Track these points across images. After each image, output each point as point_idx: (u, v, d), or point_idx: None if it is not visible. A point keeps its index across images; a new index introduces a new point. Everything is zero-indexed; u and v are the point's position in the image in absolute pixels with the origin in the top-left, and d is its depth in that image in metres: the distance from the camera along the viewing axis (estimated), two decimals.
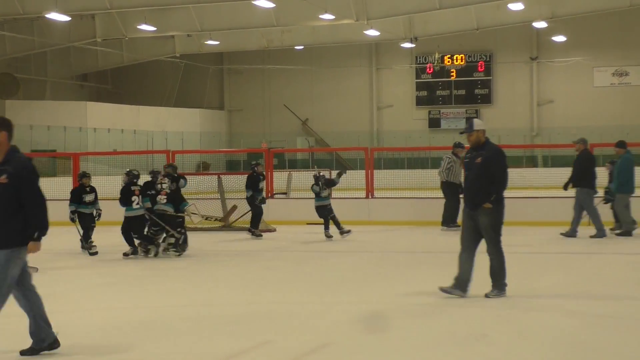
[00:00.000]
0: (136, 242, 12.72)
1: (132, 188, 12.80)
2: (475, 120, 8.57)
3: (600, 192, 14.90)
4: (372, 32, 32.18)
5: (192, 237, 15.75)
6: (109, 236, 14.17)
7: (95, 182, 13.98)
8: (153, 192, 12.94)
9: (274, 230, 16.43)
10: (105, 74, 40.30)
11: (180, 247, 12.76)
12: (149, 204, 12.84)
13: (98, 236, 13.61)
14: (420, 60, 38.86)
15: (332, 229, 14.93)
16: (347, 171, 16.52)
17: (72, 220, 13.25)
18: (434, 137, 36.76)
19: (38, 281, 10.48)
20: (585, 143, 14.60)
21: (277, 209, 17.48)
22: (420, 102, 39.38)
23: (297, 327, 7.30)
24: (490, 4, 30.10)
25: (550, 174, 15.59)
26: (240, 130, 41.44)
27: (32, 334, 6.46)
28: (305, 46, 37.00)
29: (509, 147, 32.85)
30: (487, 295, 8.35)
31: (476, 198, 8.34)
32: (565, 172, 15.52)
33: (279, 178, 20.32)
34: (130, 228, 12.66)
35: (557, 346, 6.49)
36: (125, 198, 12.70)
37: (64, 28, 31.98)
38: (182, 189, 13.55)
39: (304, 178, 16.59)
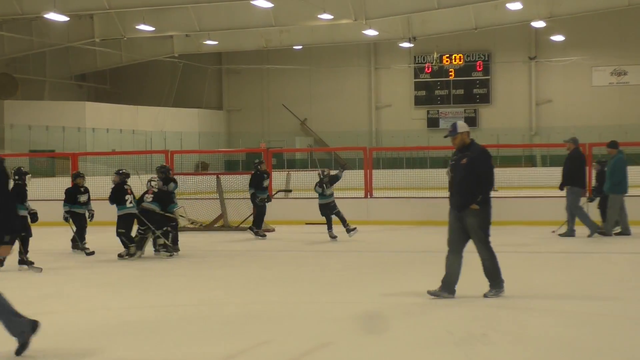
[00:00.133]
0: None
1: (125, 187, 12.80)
2: (459, 123, 8.54)
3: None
4: (371, 32, 32.19)
5: (192, 237, 15.78)
6: (106, 236, 14.17)
7: (93, 182, 14.01)
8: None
9: (273, 230, 16.43)
10: (104, 74, 40.28)
11: (170, 247, 12.69)
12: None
13: (96, 236, 13.62)
14: (418, 60, 38.87)
15: (336, 228, 14.84)
16: (346, 171, 16.47)
17: (66, 220, 13.25)
18: (432, 137, 36.77)
19: (37, 281, 10.50)
20: (576, 142, 14.63)
21: (276, 208, 17.46)
22: (418, 101, 39.38)
23: (296, 327, 7.30)
24: (488, 4, 30.11)
25: (549, 174, 15.61)
26: (239, 130, 41.44)
27: (11, 332, 6.39)
28: (304, 46, 37.00)
29: (508, 147, 32.97)
30: (485, 296, 8.35)
31: (463, 199, 8.30)
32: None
33: (278, 178, 20.31)
34: (126, 228, 12.63)
35: (556, 346, 6.50)
36: (118, 197, 12.66)
37: (62, 28, 31.97)
38: (172, 191, 13.44)
39: (303, 178, 16.59)
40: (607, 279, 9.96)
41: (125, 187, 12.82)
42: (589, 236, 14.09)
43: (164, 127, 36.65)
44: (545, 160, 34.03)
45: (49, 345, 6.78)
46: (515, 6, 29.22)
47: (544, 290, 9.09)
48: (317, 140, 40.20)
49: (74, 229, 13.23)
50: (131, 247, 12.47)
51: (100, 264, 12.06)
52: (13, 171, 11.91)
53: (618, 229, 14.42)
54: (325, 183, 14.79)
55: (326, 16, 28.76)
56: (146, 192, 12.83)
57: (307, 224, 17.30)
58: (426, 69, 38.79)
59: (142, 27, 30.64)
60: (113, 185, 12.89)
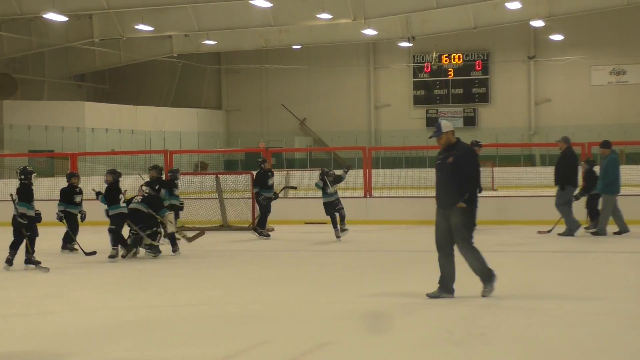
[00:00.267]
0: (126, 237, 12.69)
1: (119, 186, 12.78)
2: (442, 122, 8.49)
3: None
4: (370, 32, 32.18)
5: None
6: (104, 237, 14.14)
7: (93, 182, 13.99)
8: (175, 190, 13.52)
9: (272, 230, 16.41)
10: (103, 74, 40.26)
11: (155, 248, 12.63)
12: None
13: (96, 236, 13.61)
14: (417, 60, 38.86)
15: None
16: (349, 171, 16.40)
17: (60, 219, 13.25)
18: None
19: (37, 281, 10.50)
20: (567, 141, 14.74)
21: (276, 208, 17.41)
22: (417, 101, 39.37)
23: (296, 327, 7.30)
24: (487, 3, 30.11)
25: (548, 173, 15.62)
26: (238, 130, 41.43)
27: None
28: (303, 46, 36.99)
29: (507, 146, 32.99)
30: (484, 295, 8.33)
31: (450, 198, 8.28)
32: None
33: (277, 177, 20.27)
34: (121, 227, 12.55)
35: (556, 345, 6.50)
36: (113, 196, 12.61)
37: (61, 28, 31.96)
38: (162, 198, 13.37)
39: (302, 177, 16.59)
40: (607, 278, 9.96)
41: (119, 186, 12.79)
42: (560, 234, 14.15)
43: (163, 127, 36.64)
44: (544, 159, 34.04)
45: (48, 345, 6.79)
46: (514, 5, 29.22)
47: (543, 289, 9.10)
48: (316, 140, 40.20)
49: (67, 228, 13.25)
50: (114, 249, 12.34)
51: (100, 264, 12.05)
52: (19, 170, 11.90)
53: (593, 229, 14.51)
54: (330, 182, 14.62)
55: (325, 16, 28.76)
56: (136, 196, 12.80)
57: (306, 223, 17.30)
58: (425, 68, 38.79)
59: (141, 27, 30.64)
60: (106, 185, 12.79)
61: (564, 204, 14.26)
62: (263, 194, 15.44)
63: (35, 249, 11.58)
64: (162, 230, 12.94)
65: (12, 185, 21.64)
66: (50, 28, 32.18)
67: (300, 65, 39.71)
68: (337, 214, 14.62)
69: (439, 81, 38.93)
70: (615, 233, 14.27)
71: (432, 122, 39.08)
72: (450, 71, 38.65)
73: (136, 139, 35.01)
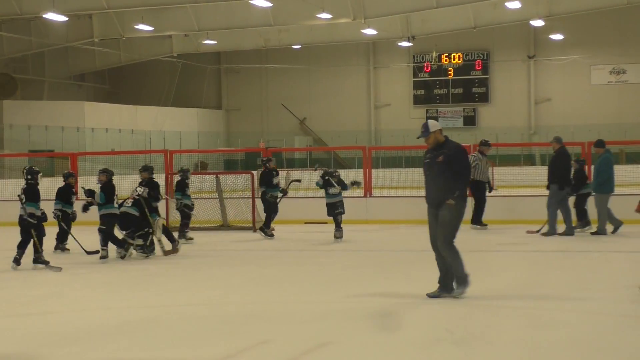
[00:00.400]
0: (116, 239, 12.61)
1: (113, 184, 12.71)
2: (430, 122, 8.45)
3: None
4: (370, 31, 32.18)
5: (192, 236, 15.75)
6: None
7: (94, 182, 13.96)
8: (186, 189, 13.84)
9: (272, 229, 16.41)
10: (103, 74, 40.27)
11: (147, 249, 12.58)
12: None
13: (94, 236, 13.56)
14: (417, 59, 38.86)
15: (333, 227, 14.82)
16: (342, 170, 16.35)
17: (57, 217, 13.24)
18: None
19: (37, 281, 10.50)
20: (560, 141, 14.80)
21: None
22: (417, 100, 39.38)
23: (296, 327, 7.30)
24: (487, 3, 30.12)
25: (546, 173, 15.69)
26: (238, 129, 41.43)
27: None
28: (303, 45, 37.00)
29: (507, 146, 32.96)
30: (453, 297, 8.23)
31: (440, 196, 8.25)
32: None
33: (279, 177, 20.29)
34: (112, 227, 12.48)
35: (556, 344, 6.50)
36: (110, 196, 12.54)
37: (61, 28, 31.96)
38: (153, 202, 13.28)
39: (302, 177, 16.57)
40: (607, 277, 9.96)
41: (113, 184, 12.74)
42: (542, 232, 14.23)
43: (163, 127, 36.65)
44: (544, 159, 33.99)
45: (49, 345, 6.79)
46: (514, 5, 29.23)
47: (543, 289, 9.10)
48: (316, 139, 40.21)
49: (65, 227, 13.25)
50: (104, 249, 12.24)
51: (100, 264, 12.05)
52: (25, 170, 11.89)
53: (590, 229, 14.56)
54: (334, 182, 14.43)
55: (325, 15, 28.76)
56: (127, 198, 12.68)
57: (306, 223, 17.30)
58: (425, 68, 38.78)
59: (141, 26, 30.64)
60: (100, 185, 12.66)
61: (557, 203, 14.29)
62: (270, 193, 15.34)
63: (42, 248, 11.60)
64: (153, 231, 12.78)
65: (12, 185, 21.70)
66: (50, 28, 32.18)
67: (300, 65, 39.71)
68: (337, 217, 14.47)
69: (439, 81, 38.93)
70: (593, 233, 14.27)
71: None
72: (450, 71, 38.65)
73: (136, 139, 35.02)
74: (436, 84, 39.06)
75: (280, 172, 16.06)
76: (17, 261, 11.47)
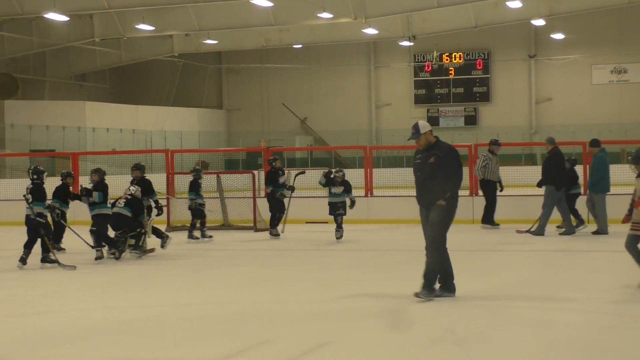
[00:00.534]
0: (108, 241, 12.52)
1: (106, 183, 12.68)
2: (420, 123, 8.37)
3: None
4: (371, 31, 32.18)
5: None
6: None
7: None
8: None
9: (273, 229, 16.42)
10: (104, 74, 40.28)
11: (140, 249, 12.53)
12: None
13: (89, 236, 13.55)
14: (418, 59, 38.85)
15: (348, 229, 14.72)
16: (345, 169, 16.30)
17: (58, 216, 13.24)
18: None
19: (38, 280, 10.51)
20: (552, 142, 14.86)
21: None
22: (418, 100, 39.36)
23: (296, 327, 7.31)
24: (488, 2, 30.11)
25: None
26: (239, 129, 41.44)
27: None
28: (304, 45, 37.00)
29: (508, 145, 32.85)
30: (416, 294, 8.16)
31: (431, 197, 8.20)
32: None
33: None
34: (105, 227, 12.43)
35: (557, 344, 6.51)
36: (106, 196, 12.50)
37: (62, 28, 31.97)
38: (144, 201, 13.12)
39: (303, 177, 16.57)
40: (608, 277, 9.96)
41: (106, 184, 12.71)
42: (531, 231, 14.28)
43: (164, 127, 36.66)
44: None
45: (50, 344, 6.79)
46: (515, 4, 29.21)
47: (544, 288, 9.10)
48: (317, 139, 40.21)
49: (65, 224, 13.25)
50: (98, 250, 12.20)
51: (101, 264, 12.05)
52: (31, 170, 11.90)
53: (584, 227, 14.63)
54: (337, 182, 14.27)
55: (326, 15, 28.75)
56: (119, 198, 12.60)
57: (307, 222, 17.29)
58: (426, 67, 38.77)
59: (142, 26, 30.64)
60: (92, 184, 12.55)
61: (553, 204, 14.34)
62: (278, 192, 15.24)
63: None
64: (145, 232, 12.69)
65: (13, 184, 21.71)
66: (52, 28, 32.19)
67: (301, 65, 39.71)
68: (337, 218, 14.37)
69: (440, 80, 38.92)
70: (594, 233, 14.28)
71: (433, 121, 39.04)
72: (451, 70, 38.64)
73: (137, 139, 35.03)
74: (437, 84, 39.04)
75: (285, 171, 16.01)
76: (23, 261, 11.49)
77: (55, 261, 11.52)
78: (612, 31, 36.21)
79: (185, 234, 16.17)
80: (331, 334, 6.95)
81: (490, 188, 15.84)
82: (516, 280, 9.80)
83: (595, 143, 14.62)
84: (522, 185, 19.99)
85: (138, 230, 12.50)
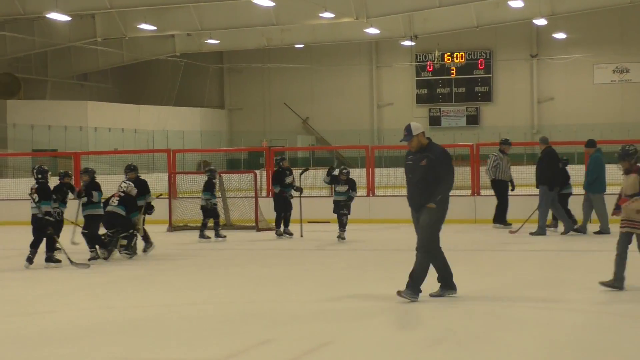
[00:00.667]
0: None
1: (97, 183, 12.59)
2: (413, 124, 8.32)
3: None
4: (372, 31, 32.17)
5: (194, 236, 15.77)
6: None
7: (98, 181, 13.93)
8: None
9: (275, 229, 16.41)
10: (106, 74, 40.29)
11: (132, 249, 12.45)
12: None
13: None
14: (420, 59, 38.83)
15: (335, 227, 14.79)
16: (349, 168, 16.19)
17: (58, 215, 13.20)
18: (434, 135, 36.31)
19: (39, 280, 10.52)
20: (546, 142, 14.95)
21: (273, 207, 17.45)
22: (420, 100, 39.36)
23: (297, 326, 7.31)
24: (490, 2, 30.08)
25: None
26: (240, 129, 41.43)
27: None
28: (305, 45, 36.98)
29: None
30: (398, 293, 8.12)
31: (422, 199, 8.16)
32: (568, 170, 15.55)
33: None
34: (97, 228, 12.33)
35: (559, 343, 6.50)
36: (100, 195, 12.42)
37: (64, 28, 31.99)
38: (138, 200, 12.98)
39: (305, 176, 16.57)
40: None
41: (97, 182, 12.63)
42: (532, 233, 14.30)
43: (165, 126, 36.67)
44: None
45: (51, 344, 6.80)
46: (517, 4, 29.19)
47: (546, 288, 9.10)
48: (319, 138, 40.20)
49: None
50: (92, 251, 12.09)
51: (102, 263, 12.05)
52: (35, 170, 11.89)
53: (576, 226, 14.65)
54: (342, 180, 14.23)
55: (327, 15, 28.75)
56: (112, 196, 12.49)
57: (309, 222, 17.30)
58: (428, 67, 38.75)
59: (144, 26, 30.66)
60: (85, 184, 12.39)
61: (548, 203, 14.38)
62: (285, 192, 15.16)
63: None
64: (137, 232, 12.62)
65: (16, 184, 21.72)
66: (53, 28, 32.21)
67: (302, 65, 39.69)
68: (341, 218, 14.29)
69: (442, 80, 38.90)
70: (596, 232, 14.27)
71: (434, 121, 39.11)
72: (452, 70, 38.62)
73: (139, 138, 35.05)
74: (439, 83, 39.03)
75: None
76: (30, 260, 11.51)
77: (59, 260, 11.54)
78: (614, 31, 36.17)
79: (186, 233, 16.22)
80: (332, 333, 6.95)
81: (501, 188, 15.84)
82: (517, 280, 9.80)
83: (591, 143, 14.66)
84: (527, 185, 20.02)
85: (130, 231, 12.40)
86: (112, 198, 12.44)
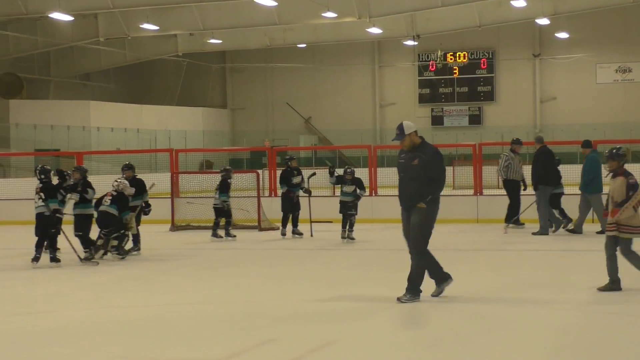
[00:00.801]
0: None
1: (88, 181, 12.54)
2: (405, 123, 8.26)
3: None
4: (375, 30, 32.16)
5: (195, 236, 15.79)
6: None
7: (99, 181, 13.98)
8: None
9: (277, 228, 16.42)
10: (108, 73, 40.31)
11: (123, 251, 12.37)
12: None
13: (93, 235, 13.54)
14: (422, 58, 38.83)
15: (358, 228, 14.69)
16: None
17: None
18: (436, 135, 36.72)
19: (41, 280, 10.53)
20: (540, 141, 15.03)
21: (280, 207, 17.46)
22: (423, 99, 39.36)
23: (300, 326, 7.31)
24: (492, 1, 30.08)
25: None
26: (243, 128, 41.45)
27: None
28: (308, 44, 36.99)
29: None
30: (399, 299, 8.13)
31: (413, 199, 8.13)
32: (568, 169, 15.57)
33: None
34: (89, 229, 12.23)
35: (561, 343, 6.50)
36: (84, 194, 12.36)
37: (67, 28, 32.02)
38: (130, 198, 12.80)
39: (307, 176, 16.57)
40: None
41: (89, 181, 12.57)
42: (535, 233, 14.37)
43: (168, 126, 36.70)
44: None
45: (52, 343, 6.80)
46: (519, 3, 29.17)
47: (548, 288, 9.09)
48: (321, 138, 40.20)
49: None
50: (86, 251, 11.99)
51: (103, 263, 12.05)
52: (38, 170, 11.90)
53: (571, 226, 14.69)
54: (348, 180, 14.13)
55: (330, 14, 28.75)
56: (105, 196, 12.40)
57: (311, 222, 17.28)
58: (430, 66, 38.73)
59: (146, 26, 30.67)
60: (72, 182, 12.22)
61: (544, 204, 14.38)
62: (292, 192, 15.07)
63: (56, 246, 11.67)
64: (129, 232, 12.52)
65: (18, 184, 21.72)
66: (56, 27, 32.24)
67: (305, 64, 39.70)
68: (350, 218, 14.20)
69: (444, 79, 38.90)
70: (598, 232, 14.27)
71: (437, 120, 39.11)
72: (455, 69, 38.61)
73: (141, 138, 35.06)
74: (441, 83, 39.02)
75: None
76: (36, 259, 11.50)
77: (59, 260, 11.55)
78: (617, 30, 36.14)
79: (188, 233, 16.23)
80: (334, 333, 6.95)
81: (513, 187, 15.82)
82: (518, 280, 9.80)
83: (586, 144, 14.67)
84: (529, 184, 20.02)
85: (122, 231, 12.29)
86: (105, 197, 12.36)
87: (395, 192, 17.53)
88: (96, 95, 39.28)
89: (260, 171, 19.19)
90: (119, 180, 12.51)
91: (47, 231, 11.56)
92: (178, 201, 17.99)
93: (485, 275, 10.20)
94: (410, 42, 35.60)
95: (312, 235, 15.23)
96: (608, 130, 31.91)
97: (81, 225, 12.13)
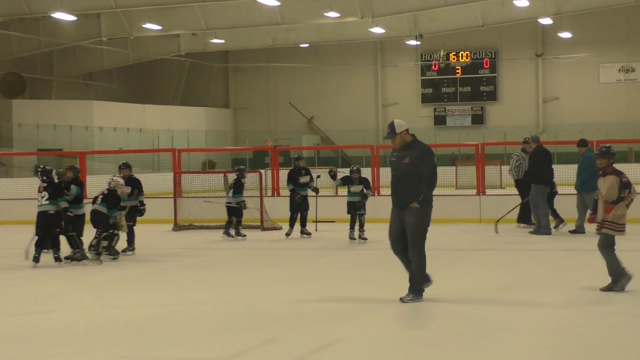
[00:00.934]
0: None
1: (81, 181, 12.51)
2: (396, 122, 8.26)
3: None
4: (377, 30, 32.15)
5: (197, 236, 15.80)
6: (87, 234, 14.01)
7: (101, 181, 13.97)
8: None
9: (280, 228, 16.44)
10: (111, 73, 40.33)
11: (114, 251, 12.25)
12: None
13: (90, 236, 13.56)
14: (425, 58, 38.81)
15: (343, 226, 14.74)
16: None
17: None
18: (439, 135, 36.73)
19: (42, 280, 10.53)
20: (537, 140, 15.05)
21: (283, 206, 17.46)
22: (425, 99, 39.34)
23: (303, 325, 7.31)
24: (495, 1, 30.06)
25: (556, 171, 15.62)
26: (245, 128, 41.45)
27: None
28: (310, 44, 36.99)
29: (514, 144, 32.88)
30: (401, 300, 8.12)
31: (405, 198, 8.11)
32: (571, 169, 15.54)
33: (284, 176, 20.29)
34: (81, 230, 12.14)
35: (563, 342, 6.49)
36: (81, 194, 12.30)
37: (69, 27, 32.04)
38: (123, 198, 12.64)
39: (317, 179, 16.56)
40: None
41: (81, 181, 12.54)
42: (532, 232, 14.43)
43: (171, 126, 36.71)
44: (552, 157, 33.91)
45: (53, 343, 6.80)
46: (522, 3, 29.14)
47: (550, 287, 9.08)
48: (324, 138, 40.20)
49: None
50: (77, 251, 11.88)
51: (104, 263, 12.05)
52: (39, 172, 11.89)
53: (563, 226, 14.73)
54: (355, 180, 14.12)
55: (332, 14, 28.74)
56: (98, 195, 12.31)
57: (314, 222, 17.28)
58: (433, 66, 38.72)
59: (149, 26, 30.69)
60: (67, 180, 12.17)
61: (542, 203, 14.38)
62: (299, 192, 14.99)
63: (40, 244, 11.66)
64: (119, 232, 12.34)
65: (21, 184, 21.72)
66: (59, 27, 32.26)
67: (307, 64, 39.69)
68: (360, 218, 14.11)
69: (447, 79, 38.87)
70: (571, 231, 14.28)
71: (439, 120, 39.09)
72: (458, 69, 38.59)
73: (144, 138, 35.08)
74: (444, 83, 39.00)
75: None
76: (36, 259, 11.51)
77: (61, 259, 11.54)
78: (620, 30, 36.10)
79: (190, 233, 16.22)
80: (337, 333, 6.95)
81: (525, 187, 15.81)
82: (521, 279, 9.79)
83: (582, 143, 14.69)
84: None
85: (111, 231, 12.14)
86: (98, 196, 12.30)
87: None
88: (99, 95, 39.30)
89: (262, 171, 19.19)
90: (113, 178, 12.46)
91: (49, 230, 11.56)
92: (180, 201, 17.99)
93: (487, 275, 10.19)
94: (412, 42, 35.58)
95: (316, 230, 15.23)
96: (611, 130, 31.86)
97: (73, 226, 12.01)
